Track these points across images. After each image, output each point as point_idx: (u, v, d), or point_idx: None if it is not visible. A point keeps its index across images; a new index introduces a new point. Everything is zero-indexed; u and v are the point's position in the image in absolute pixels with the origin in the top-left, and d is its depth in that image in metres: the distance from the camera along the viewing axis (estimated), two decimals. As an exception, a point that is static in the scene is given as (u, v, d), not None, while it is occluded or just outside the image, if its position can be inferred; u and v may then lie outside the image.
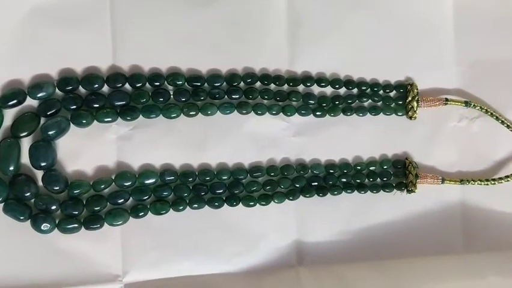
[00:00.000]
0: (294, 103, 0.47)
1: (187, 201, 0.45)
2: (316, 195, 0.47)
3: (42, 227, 0.43)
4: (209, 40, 0.46)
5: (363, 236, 0.48)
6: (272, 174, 0.47)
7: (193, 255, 0.46)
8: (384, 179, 0.49)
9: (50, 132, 0.43)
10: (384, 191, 0.48)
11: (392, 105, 0.49)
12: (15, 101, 0.43)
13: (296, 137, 0.48)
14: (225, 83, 0.46)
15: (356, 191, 0.48)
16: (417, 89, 0.49)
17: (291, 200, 0.47)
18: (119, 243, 0.45)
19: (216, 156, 0.46)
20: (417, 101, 0.48)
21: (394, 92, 0.49)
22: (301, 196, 0.47)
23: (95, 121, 0.44)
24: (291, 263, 0.47)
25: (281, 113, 0.47)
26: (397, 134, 0.49)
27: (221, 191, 0.46)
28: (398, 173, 0.49)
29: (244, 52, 0.47)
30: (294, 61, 0.48)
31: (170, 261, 0.46)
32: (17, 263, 0.43)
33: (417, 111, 0.49)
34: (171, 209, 0.45)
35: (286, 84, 0.47)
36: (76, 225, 0.43)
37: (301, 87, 0.48)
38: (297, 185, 0.47)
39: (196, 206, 0.45)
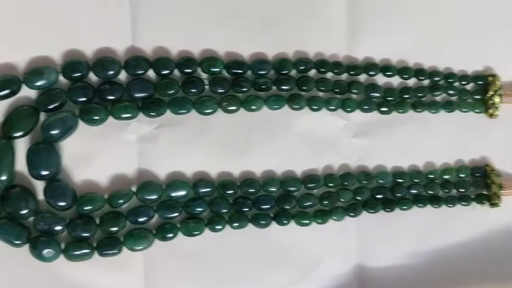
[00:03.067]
0: (354, 96, 0.40)
1: (227, 219, 0.38)
2: (382, 210, 0.40)
3: (44, 253, 0.35)
4: (252, 18, 0.38)
5: (437, 258, 0.42)
6: (330, 184, 0.39)
7: (233, 285, 0.39)
8: (462, 190, 0.42)
9: (54, 132, 0.35)
10: (462, 204, 0.42)
11: (470, 100, 0.43)
12: (7, 91, 0.35)
13: (357, 138, 0.41)
14: (272, 70, 0.39)
15: (428, 204, 0.41)
16: (500, 82, 0.42)
17: (353, 216, 0.40)
18: (142, 272, 0.37)
19: (261, 162, 0.39)
20: (500, 96, 0.42)
21: (472, 84, 0.43)
22: (364, 211, 0.40)
23: (110, 117, 0.36)
24: (352, 293, 0.40)
25: (340, 109, 0.39)
26: (475, 136, 0.43)
27: (268, 206, 0.38)
28: (477, 183, 0.43)
29: (295, 33, 0.39)
30: (354, 45, 0.41)
31: (205, 295, 0.38)
32: (12, 299, 0.35)
33: (499, 108, 0.42)
34: (207, 229, 0.37)
35: (345, 73, 0.40)
36: (87, 250, 0.36)
37: (362, 77, 0.41)
38: (359, 198, 0.40)
39: (237, 224, 0.38)
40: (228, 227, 0.37)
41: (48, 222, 0.35)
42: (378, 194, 0.40)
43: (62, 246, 0.35)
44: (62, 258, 0.35)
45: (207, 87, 0.37)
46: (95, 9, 0.36)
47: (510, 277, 0.42)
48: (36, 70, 0.35)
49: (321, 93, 0.39)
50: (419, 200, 0.41)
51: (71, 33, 0.36)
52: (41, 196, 0.35)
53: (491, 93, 0.42)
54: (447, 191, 0.42)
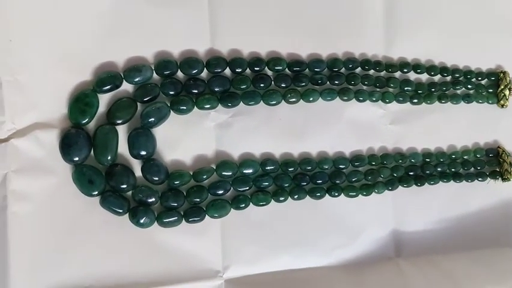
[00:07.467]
0: (391, 90, 0.46)
1: (288, 192, 0.44)
2: (414, 184, 0.46)
3: (141, 221, 0.40)
4: (309, 25, 0.44)
5: (458, 224, 0.47)
6: (373, 163, 0.46)
7: (293, 248, 0.44)
8: (478, 167, 0.48)
9: (151, 119, 0.41)
10: (479, 180, 0.48)
11: (484, 93, 0.48)
12: (111, 85, 0.40)
13: (393, 125, 0.47)
14: (326, 68, 0.45)
15: (451, 180, 0.47)
16: (509, 77, 0.48)
17: (390, 190, 0.46)
18: (219, 237, 0.43)
19: (316, 144, 0.45)
20: (510, 89, 0.48)
21: (486, 80, 0.49)
22: (399, 186, 0.46)
23: (194, 108, 0.42)
24: (389, 255, 0.46)
25: (380, 100, 0.46)
26: (489, 122, 0.49)
27: (322, 181, 0.44)
28: (491, 162, 0.48)
29: (342, 37, 0.45)
30: (390, 47, 0.46)
31: (270, 255, 0.44)
32: (115, 259, 0.41)
33: (509, 100, 0.48)
34: (272, 200, 0.43)
35: (384, 71, 0.46)
36: (176, 217, 0.41)
37: (397, 74, 0.47)
38: (396, 175, 0.46)
39: (297, 196, 0.44)
40: (289, 199, 0.43)
41: (144, 195, 0.40)
42: (410, 171, 0.46)
43: (156, 214, 0.41)
44: (155, 225, 0.41)
45: (272, 82, 0.43)
46: (179, 16, 0.42)
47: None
48: (135, 68, 0.40)
49: (365, 87, 0.45)
50: (444, 176, 0.46)
51: (161, 37, 0.41)
52: (138, 173, 0.41)
53: (502, 87, 0.48)
54: (466, 168, 0.47)
